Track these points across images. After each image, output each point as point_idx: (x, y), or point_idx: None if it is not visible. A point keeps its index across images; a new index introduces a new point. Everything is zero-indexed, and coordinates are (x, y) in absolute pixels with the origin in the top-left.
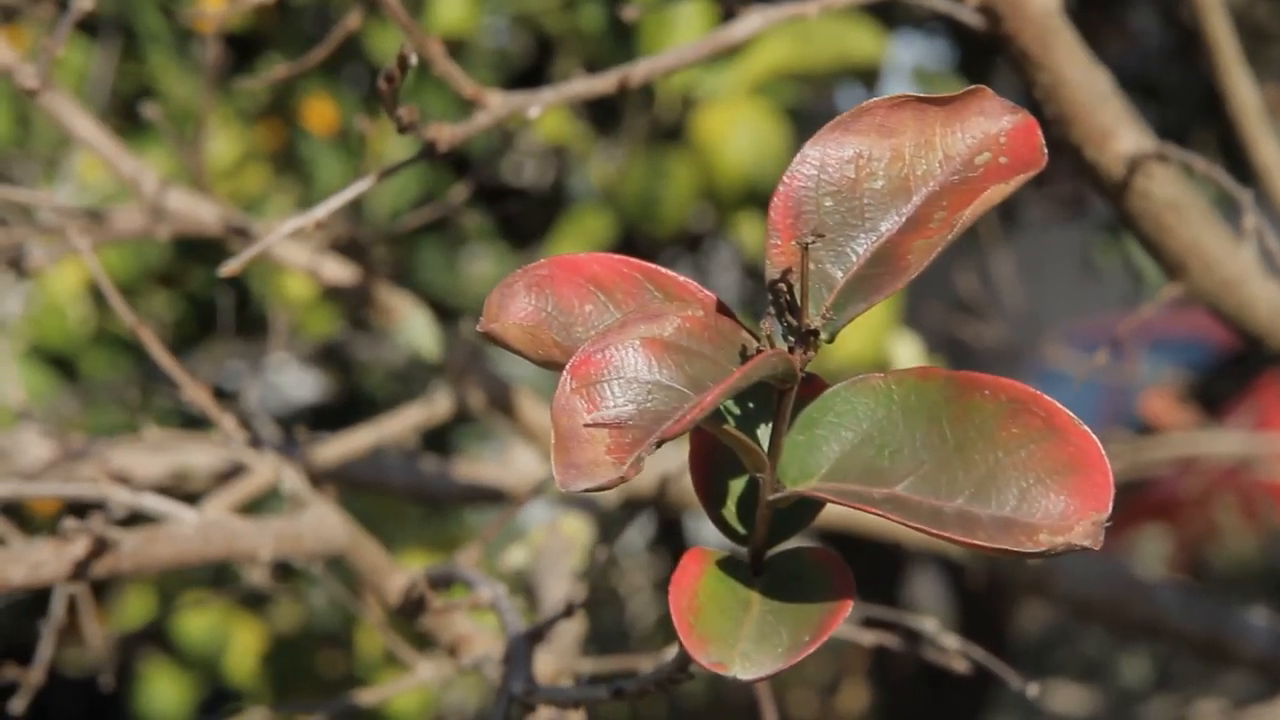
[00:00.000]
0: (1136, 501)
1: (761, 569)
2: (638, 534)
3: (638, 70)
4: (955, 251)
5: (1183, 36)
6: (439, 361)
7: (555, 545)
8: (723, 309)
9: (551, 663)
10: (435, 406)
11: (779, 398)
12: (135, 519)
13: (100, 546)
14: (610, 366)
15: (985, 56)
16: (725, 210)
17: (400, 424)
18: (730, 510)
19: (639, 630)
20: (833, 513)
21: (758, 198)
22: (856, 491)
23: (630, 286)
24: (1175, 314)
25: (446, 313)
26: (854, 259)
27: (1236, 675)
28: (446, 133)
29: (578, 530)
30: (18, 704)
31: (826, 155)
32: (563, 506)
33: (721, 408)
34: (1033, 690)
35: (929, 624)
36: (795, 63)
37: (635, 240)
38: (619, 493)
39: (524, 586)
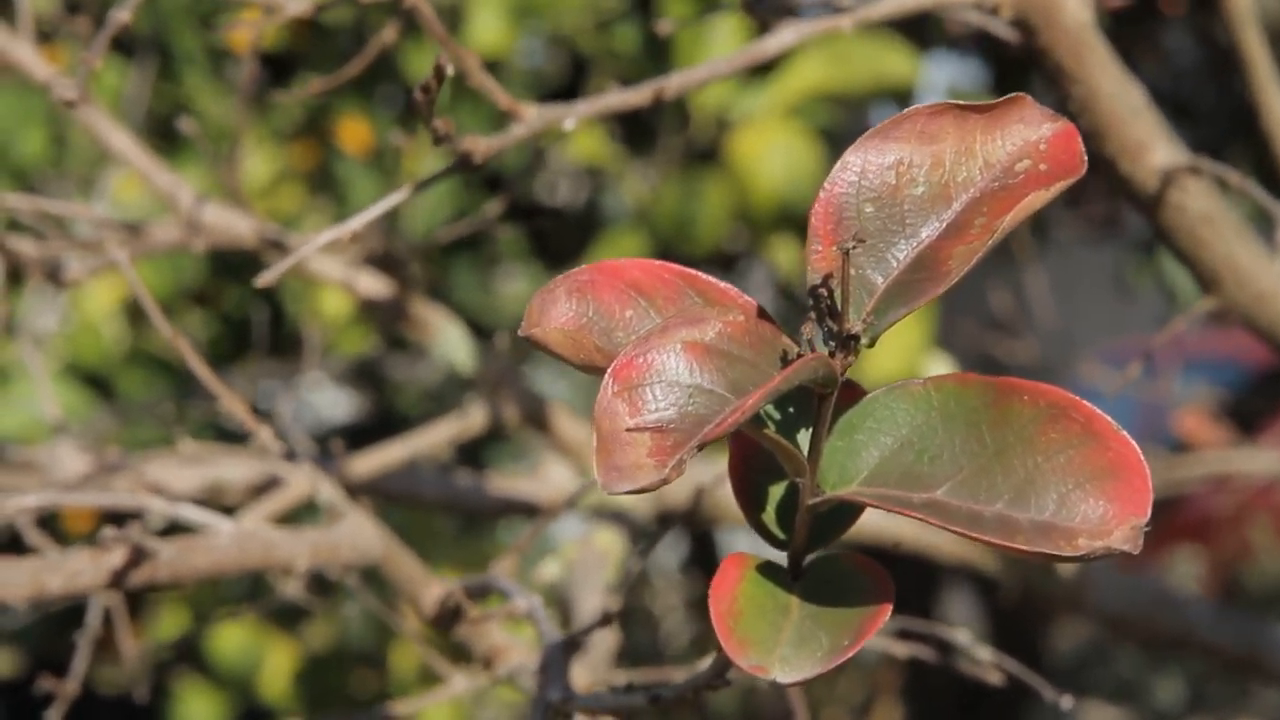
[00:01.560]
0: (1170, 521)
1: (800, 574)
2: (671, 554)
3: (672, 83)
4: (989, 270)
5: (1216, 55)
6: (473, 375)
7: (589, 559)
8: (763, 315)
9: (586, 675)
10: (469, 420)
11: (819, 403)
12: (171, 531)
13: (138, 556)
14: (652, 370)
15: (1019, 76)
16: (759, 231)
17: (434, 437)
18: (769, 515)
19: (673, 649)
20: (869, 527)
21: (792, 218)
22: (896, 496)
23: (671, 292)
24: (1210, 334)
25: (481, 331)
26: (894, 264)
27: (1271, 695)
28: (482, 145)
29: (611, 544)
30: (53, 715)
31: (867, 162)
32: (596, 521)
33: (762, 412)
34: (1067, 702)
35: (962, 636)
36: (830, 84)
37: (669, 260)
38: (653, 505)
39: (558, 600)
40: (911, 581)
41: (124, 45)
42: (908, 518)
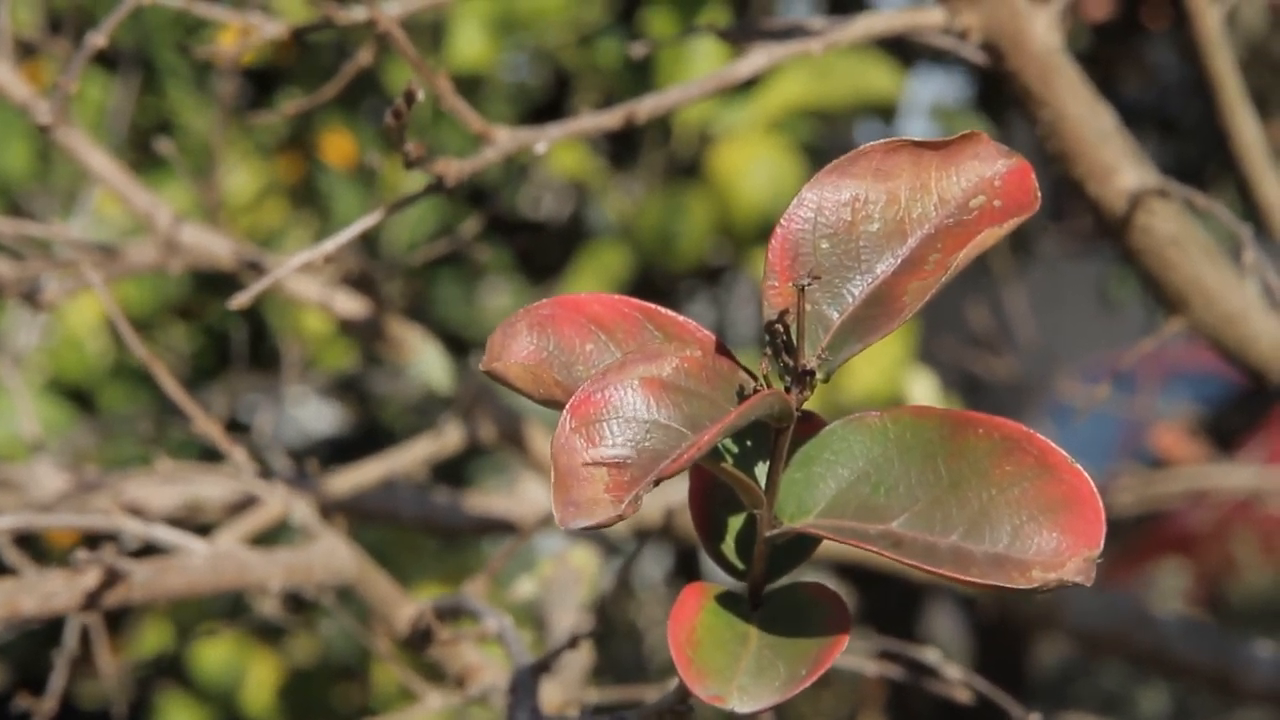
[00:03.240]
0: (1153, 536)
1: (760, 603)
2: (655, 567)
3: (644, 106)
4: (970, 287)
5: (1202, 72)
6: (450, 394)
7: (564, 577)
8: (721, 349)
9: (559, 693)
10: (445, 439)
11: (776, 436)
12: (148, 550)
13: (112, 577)
14: (609, 406)
15: (1003, 91)
16: (742, 245)
17: (410, 456)
18: (729, 546)
19: (657, 664)
20: (845, 548)
21: None
22: (852, 528)
23: (630, 326)
24: (1190, 349)
25: (464, 347)
26: (850, 300)
27: (1253, 709)
28: (454, 168)
29: (586, 562)
30: None
31: (823, 198)
32: (572, 538)
33: (720, 446)
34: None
35: (931, 654)
36: (813, 99)
37: (652, 275)
38: (627, 523)
39: (533, 618)
40: (895, 599)
41: (107, 59)
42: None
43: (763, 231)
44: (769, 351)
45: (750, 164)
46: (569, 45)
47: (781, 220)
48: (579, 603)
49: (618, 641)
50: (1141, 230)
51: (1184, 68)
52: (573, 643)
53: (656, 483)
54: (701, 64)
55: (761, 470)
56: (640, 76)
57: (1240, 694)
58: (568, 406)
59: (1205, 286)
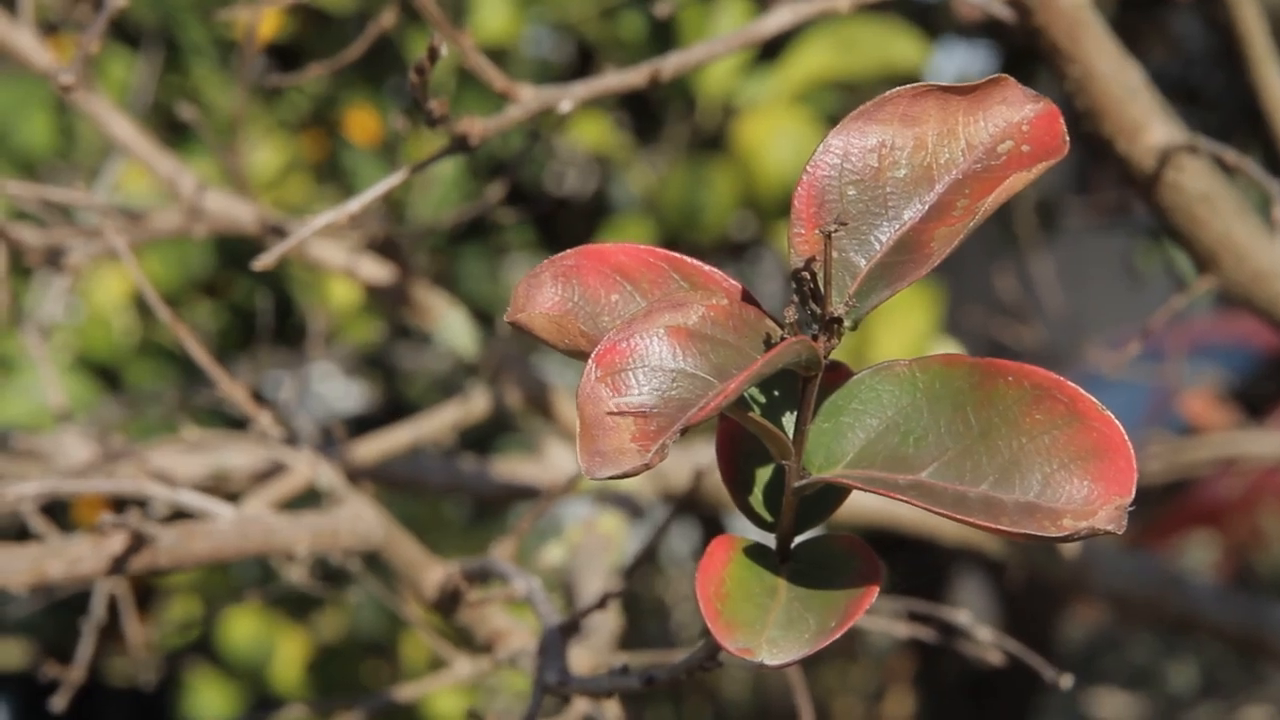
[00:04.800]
0: (1182, 507)
1: (788, 556)
2: (683, 542)
3: (669, 63)
4: (996, 256)
5: (1225, 40)
6: (476, 360)
7: (592, 543)
8: (748, 298)
9: (587, 658)
10: (472, 405)
11: (804, 385)
12: (174, 519)
13: (138, 542)
14: (635, 354)
15: (1028, 63)
16: (767, 218)
17: (437, 423)
18: (757, 498)
19: (685, 638)
20: (870, 510)
21: None
22: (881, 478)
23: (656, 276)
24: (1219, 319)
25: (489, 322)
26: (877, 247)
27: None
28: (479, 126)
29: (614, 528)
30: (59, 702)
31: (850, 144)
32: (600, 504)
33: (747, 396)
34: (1066, 682)
35: (963, 616)
36: (837, 70)
37: (677, 249)
38: (654, 488)
39: (561, 584)
40: (920, 569)
41: (130, 37)
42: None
43: (787, 204)
44: (796, 299)
45: (774, 136)
46: (592, 18)
47: (807, 167)
48: (607, 568)
49: (645, 616)
50: (1171, 187)
51: (1209, 37)
52: (602, 603)
53: (683, 431)
54: (725, 30)
55: (789, 421)
56: (664, 48)
57: (1272, 657)
58: (593, 355)
59: (1235, 243)
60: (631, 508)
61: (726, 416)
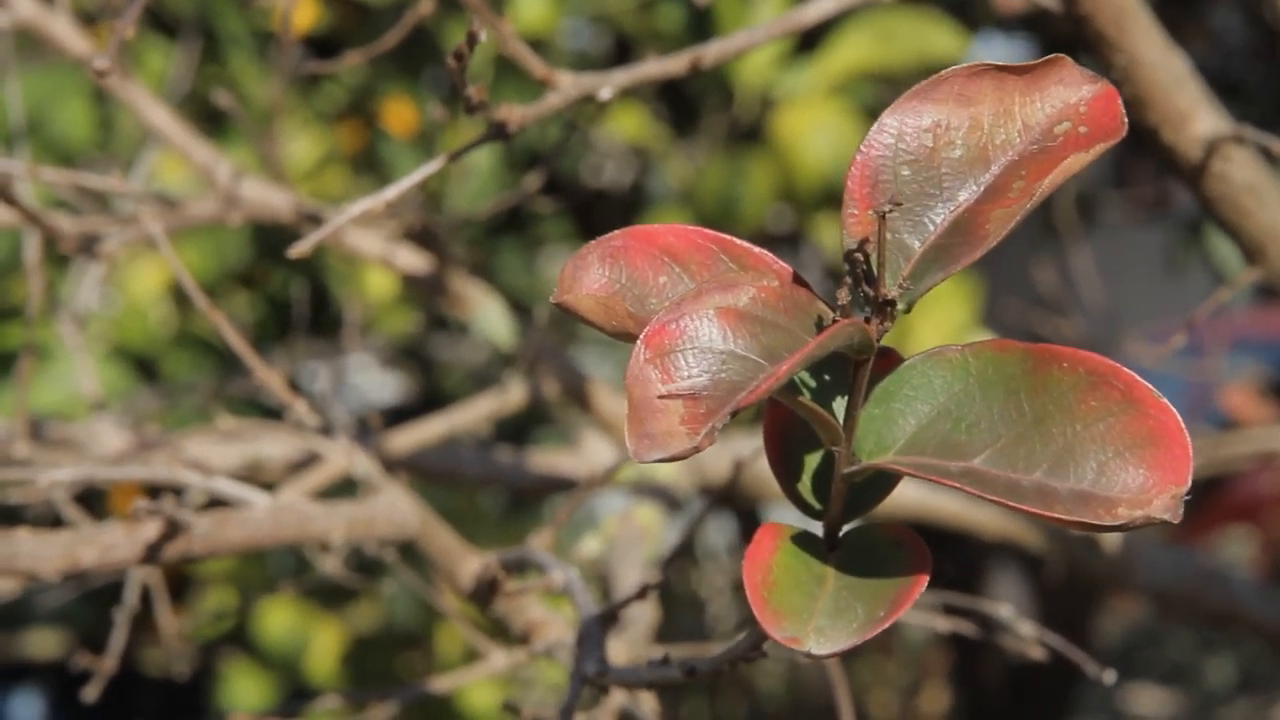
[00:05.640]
0: (1220, 503)
1: (836, 544)
2: (719, 535)
3: (710, 51)
4: (1035, 249)
5: (1266, 34)
6: (513, 351)
7: (629, 534)
8: (799, 280)
9: (625, 650)
10: (508, 396)
11: (855, 369)
12: (209, 507)
13: (172, 529)
14: (684, 336)
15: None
16: (805, 211)
17: (473, 413)
18: (805, 485)
19: (720, 633)
20: (909, 503)
21: (837, 198)
22: (933, 465)
23: (705, 258)
24: (1259, 313)
25: (525, 313)
26: (931, 228)
27: None
28: (517, 114)
29: (651, 520)
30: (91, 691)
31: (904, 124)
32: (637, 496)
33: (797, 380)
34: (1109, 677)
35: (1004, 610)
36: (875, 62)
37: None
38: (694, 480)
39: (598, 576)
40: (959, 566)
41: (168, 27)
42: (948, 489)
43: (825, 196)
44: (848, 281)
45: (812, 128)
46: (630, 10)
47: (861, 147)
48: (644, 560)
49: (680, 608)
50: (1217, 177)
51: (1249, 31)
52: (641, 593)
53: (733, 414)
54: (764, 19)
55: (839, 406)
56: (702, 40)
57: None
58: (642, 338)
59: None
60: (669, 500)
61: (776, 402)
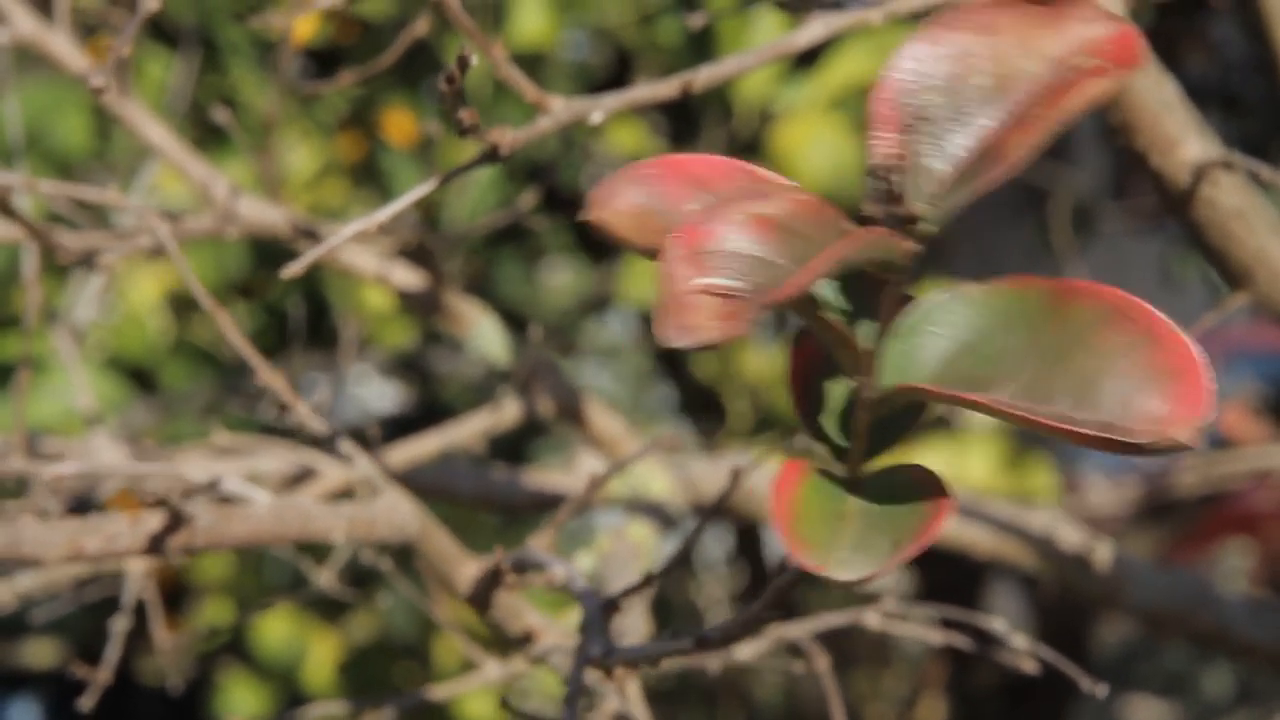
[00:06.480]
0: (1216, 517)
1: (859, 480)
2: (716, 547)
3: (700, 76)
4: (1033, 260)
5: (1265, 48)
6: (508, 368)
7: (623, 551)
8: (827, 203)
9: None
10: (503, 412)
11: (884, 292)
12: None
13: (175, 521)
14: (716, 238)
15: None
16: None
17: (468, 430)
18: (829, 420)
19: None
20: None
21: None
22: (960, 390)
23: (734, 182)
24: (1252, 329)
25: (525, 326)
26: (955, 152)
27: None
28: (509, 137)
29: (645, 536)
30: (86, 702)
31: (928, 52)
32: (630, 513)
33: (821, 304)
34: (1102, 691)
35: (998, 624)
36: (873, 76)
37: None
38: (687, 497)
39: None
40: (956, 580)
41: (168, 37)
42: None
43: None
44: (875, 200)
45: (811, 142)
46: (630, 23)
47: (885, 71)
48: (637, 576)
49: (679, 621)
50: (1205, 203)
51: (1247, 45)
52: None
53: (765, 308)
54: (763, 38)
55: (864, 335)
56: (701, 54)
57: None
58: (675, 233)
59: (1270, 260)
60: (662, 517)
61: (800, 340)
